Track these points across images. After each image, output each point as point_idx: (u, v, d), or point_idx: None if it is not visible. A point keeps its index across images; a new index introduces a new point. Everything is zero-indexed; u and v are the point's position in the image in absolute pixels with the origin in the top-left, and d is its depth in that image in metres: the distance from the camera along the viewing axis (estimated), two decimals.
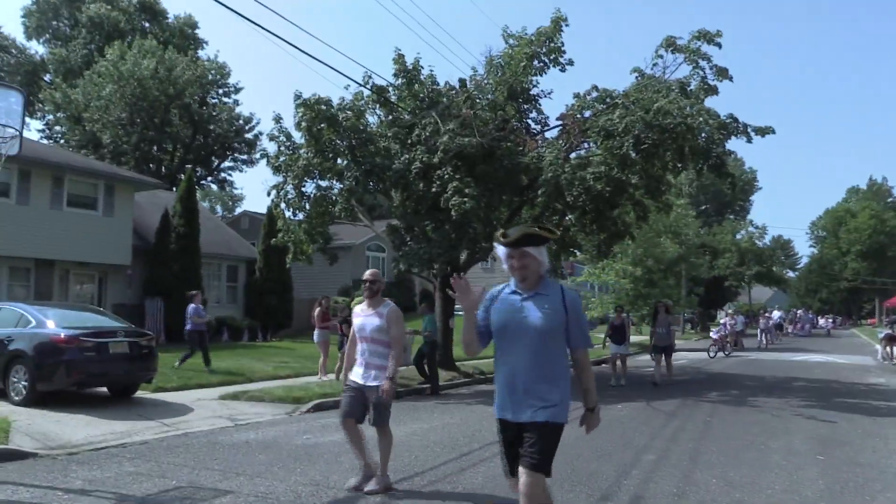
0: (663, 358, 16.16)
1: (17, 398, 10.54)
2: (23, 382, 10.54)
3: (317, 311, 16.01)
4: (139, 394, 12.09)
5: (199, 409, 11.05)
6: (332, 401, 12.24)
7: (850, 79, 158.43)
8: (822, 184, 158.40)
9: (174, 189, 33.24)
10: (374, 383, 6.11)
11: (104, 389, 12.01)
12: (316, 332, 15.76)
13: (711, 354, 25.84)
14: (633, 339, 34.94)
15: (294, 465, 7.25)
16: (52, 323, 10.85)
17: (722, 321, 30.12)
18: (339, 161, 16.03)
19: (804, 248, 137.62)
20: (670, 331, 16.50)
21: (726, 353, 27.41)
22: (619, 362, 16.22)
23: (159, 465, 7.26)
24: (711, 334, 28.32)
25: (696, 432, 9.66)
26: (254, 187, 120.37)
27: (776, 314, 41.30)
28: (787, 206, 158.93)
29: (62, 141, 48.46)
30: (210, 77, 50.88)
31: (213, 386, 13.61)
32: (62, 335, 10.48)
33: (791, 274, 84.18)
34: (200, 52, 54.59)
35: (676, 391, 14.77)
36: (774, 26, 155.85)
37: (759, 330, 34.02)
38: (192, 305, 15.54)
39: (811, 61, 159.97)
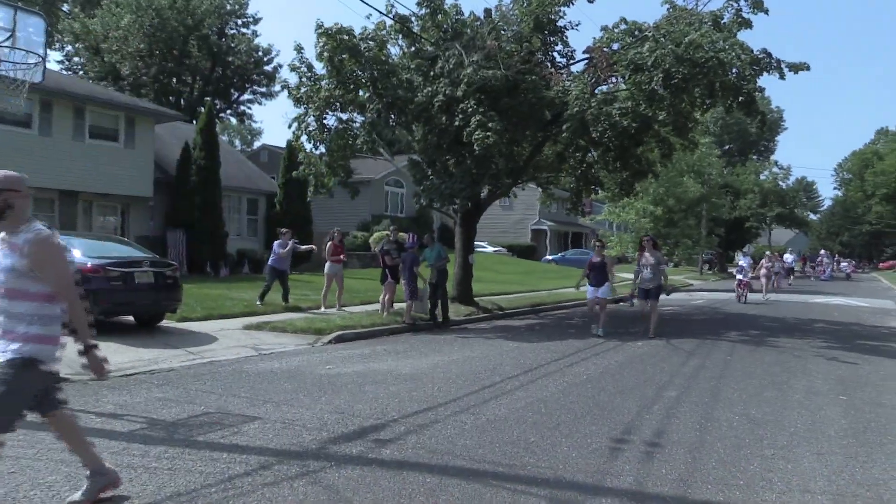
0: (648, 304, 13.54)
1: None
2: None
3: (328, 244, 16.02)
4: (164, 323, 12.28)
5: (224, 339, 11.22)
6: (352, 332, 12.44)
7: (883, 17, 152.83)
8: (850, 125, 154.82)
9: (194, 122, 33.09)
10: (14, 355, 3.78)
11: (130, 318, 12.21)
12: (327, 265, 15.79)
13: (743, 300, 23.36)
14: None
15: (319, 394, 7.37)
16: (79, 252, 10.94)
17: (763, 262, 26.80)
18: (360, 93, 15.80)
19: (827, 191, 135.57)
20: (659, 271, 13.60)
21: (764, 296, 25.10)
22: (597, 308, 13.64)
23: (187, 391, 7.40)
24: (738, 276, 24.43)
25: (715, 370, 9.68)
26: (273, 121, 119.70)
27: (788, 257, 38.73)
28: (813, 148, 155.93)
29: (81, 72, 48.17)
30: (228, 7, 50.04)
31: (236, 316, 13.79)
32: (88, 264, 10.58)
33: (813, 216, 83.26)
34: None
35: (695, 330, 14.79)
36: None
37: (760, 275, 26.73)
38: (277, 241, 15.64)
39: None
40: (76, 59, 50.05)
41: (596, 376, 8.91)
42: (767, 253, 30.31)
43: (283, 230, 15.89)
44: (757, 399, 7.69)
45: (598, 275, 13.53)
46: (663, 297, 14.07)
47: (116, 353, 9.46)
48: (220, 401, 6.95)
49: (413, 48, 16.10)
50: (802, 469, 5.23)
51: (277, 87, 53.87)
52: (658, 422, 6.52)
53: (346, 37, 14.89)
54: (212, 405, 6.74)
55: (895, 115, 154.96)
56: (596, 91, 15.27)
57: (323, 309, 15.41)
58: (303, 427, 5.96)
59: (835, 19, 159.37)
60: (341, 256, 15.99)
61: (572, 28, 16.69)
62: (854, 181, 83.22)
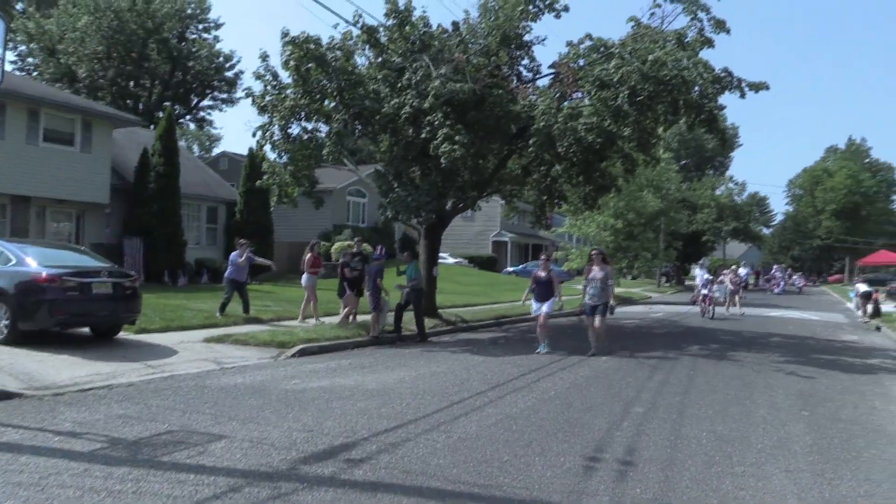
0: (595, 320, 12.67)
1: None
2: (3, 321, 10.35)
3: (308, 256, 15.82)
4: (121, 335, 11.96)
5: (184, 352, 10.96)
6: (316, 346, 12.26)
7: (833, 39, 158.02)
8: (801, 143, 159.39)
9: (152, 127, 32.47)
10: None
11: (86, 330, 11.86)
12: (305, 276, 15.62)
13: (709, 316, 22.62)
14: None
15: (286, 411, 7.22)
16: (34, 261, 10.60)
17: (721, 277, 25.72)
18: (326, 102, 15.66)
19: (779, 206, 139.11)
20: (608, 286, 12.79)
21: (728, 310, 24.52)
22: (541, 323, 12.95)
23: (148, 407, 7.18)
24: (704, 291, 23.38)
25: (680, 385, 9.78)
26: (233, 127, 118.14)
27: (742, 271, 37.99)
28: (766, 164, 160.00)
29: (35, 73, 46.93)
30: (189, 11, 49.34)
31: (196, 328, 13.50)
32: (44, 274, 10.25)
33: (766, 231, 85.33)
34: None
35: (657, 344, 14.95)
36: None
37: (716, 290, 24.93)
38: (234, 252, 15.41)
39: (796, 17, 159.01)
40: (30, 59, 48.75)
41: (563, 392, 8.92)
42: (734, 267, 30.14)
43: (241, 241, 15.74)
44: (722, 415, 7.78)
45: (544, 290, 13.11)
46: (618, 310, 14.13)
47: (73, 367, 9.18)
48: (184, 418, 6.76)
49: (380, 59, 16.02)
50: (773, 487, 5.28)
51: (239, 94, 53.32)
52: (629, 439, 6.54)
53: (312, 46, 14.75)
54: (175, 423, 6.55)
55: (844, 133, 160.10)
56: (562, 106, 15.40)
57: (300, 321, 15.25)
58: (271, 446, 5.82)
59: (786, 40, 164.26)
60: (318, 269, 15.87)
61: (538, 43, 16.88)
62: (805, 197, 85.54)
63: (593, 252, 13.57)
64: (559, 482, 5.16)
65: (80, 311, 10.70)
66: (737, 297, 25.62)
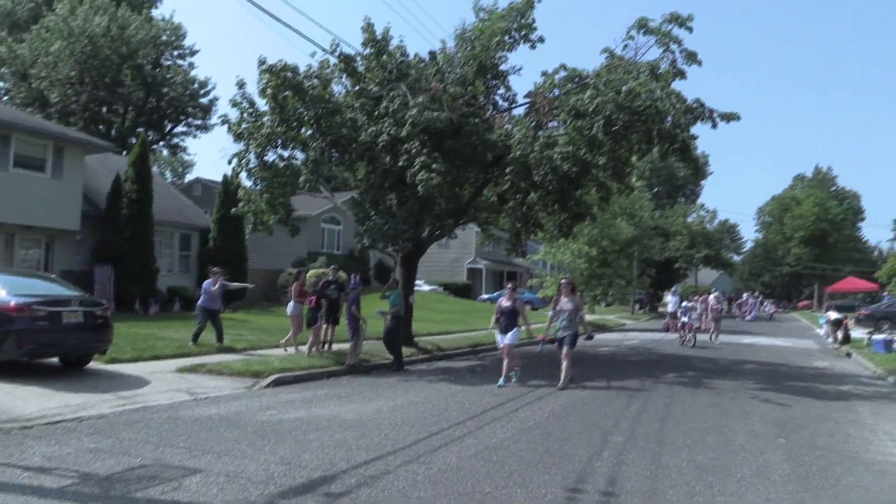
0: (563, 350, 12.03)
1: None
2: None
3: (294, 284, 15.56)
4: (92, 365, 11.70)
5: (156, 382, 10.75)
6: (291, 375, 12.12)
7: (802, 69, 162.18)
8: (770, 171, 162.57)
9: (125, 153, 32.19)
10: None
11: (56, 360, 11.59)
12: (291, 305, 15.29)
13: (692, 345, 22.18)
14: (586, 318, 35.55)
15: (262, 443, 7.09)
16: (2, 290, 10.36)
17: (687, 303, 24.75)
18: (303, 130, 15.66)
19: (749, 233, 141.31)
20: (576, 318, 12.29)
21: (713, 339, 24.29)
22: (505, 353, 12.45)
23: (120, 441, 7.01)
24: (683, 318, 22.99)
25: (657, 414, 9.79)
26: (207, 154, 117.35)
27: (711, 298, 37.22)
28: (736, 192, 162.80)
29: (6, 98, 46.37)
30: (164, 38, 49.24)
31: (168, 358, 13.26)
32: (12, 303, 10.02)
33: (736, 258, 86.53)
34: (154, 12, 52.74)
35: (633, 371, 14.99)
36: (728, 10, 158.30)
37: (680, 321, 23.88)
38: (208, 280, 15.15)
39: (767, 50, 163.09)
40: (1, 83, 48.21)
41: (542, 421, 8.88)
42: (716, 293, 29.82)
43: (215, 269, 15.54)
44: (701, 444, 7.79)
45: (508, 320, 12.54)
46: (597, 337, 14.07)
47: (42, 399, 8.96)
48: (157, 451, 6.60)
49: (357, 87, 16.09)
50: None
51: (213, 120, 53.10)
52: (609, 469, 6.51)
53: (290, 74, 14.80)
54: (148, 456, 6.39)
55: (811, 162, 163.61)
56: (537, 135, 15.55)
57: (293, 349, 15.02)
58: (248, 480, 5.70)
59: (755, 70, 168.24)
60: (304, 299, 15.59)
61: (514, 73, 17.04)
62: (774, 224, 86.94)
63: (563, 282, 13.13)
64: None
65: (50, 341, 10.46)
66: (717, 326, 25.58)
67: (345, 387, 11.63)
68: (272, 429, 7.83)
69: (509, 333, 12.45)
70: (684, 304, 23.88)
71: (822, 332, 29.16)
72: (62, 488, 5.35)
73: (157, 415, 8.49)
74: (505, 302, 12.72)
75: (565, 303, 12.37)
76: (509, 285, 13.49)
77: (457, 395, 10.85)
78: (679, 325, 23.51)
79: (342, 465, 6.30)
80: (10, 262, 20.88)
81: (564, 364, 11.93)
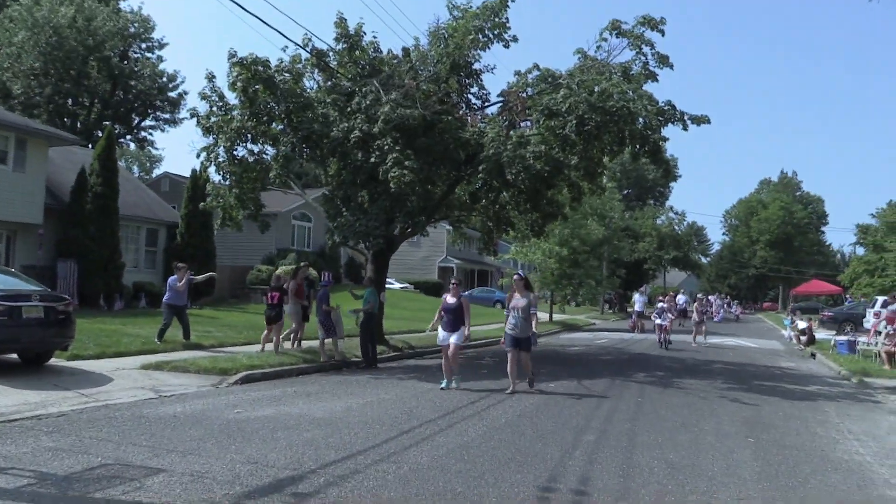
0: (521, 356, 11.15)
1: None
2: None
3: (291, 282, 15.19)
4: (53, 361, 11.37)
5: (120, 380, 10.49)
6: (260, 372, 11.94)
7: (768, 75, 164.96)
8: (737, 174, 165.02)
9: (91, 146, 31.52)
10: None
11: (14, 356, 11.24)
12: (291, 304, 14.82)
13: (666, 346, 22.03)
14: (556, 317, 35.67)
15: (228, 442, 6.92)
16: None
17: (659, 303, 24.21)
18: (274, 125, 15.45)
19: (716, 235, 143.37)
20: (530, 316, 11.13)
21: (700, 340, 24.30)
22: (451, 355, 11.50)
23: (80, 439, 6.80)
24: (658, 320, 22.74)
25: (628, 412, 9.81)
26: (175, 148, 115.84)
27: (681, 298, 36.71)
28: (703, 195, 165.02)
29: None
30: (132, 30, 48.36)
31: (133, 354, 12.96)
32: None
33: (703, 259, 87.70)
34: (122, 4, 51.76)
35: (604, 371, 15.03)
36: (700, 13, 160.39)
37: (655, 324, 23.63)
38: (172, 276, 14.79)
39: (734, 53, 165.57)
40: None
41: (514, 420, 8.83)
42: (699, 295, 29.99)
43: (180, 264, 15.23)
44: (672, 442, 7.79)
45: (453, 318, 11.48)
46: (563, 337, 13.89)
47: None
48: (119, 450, 6.40)
49: (330, 83, 15.92)
50: None
51: (182, 114, 52.31)
52: (581, 468, 6.47)
53: (261, 68, 14.58)
54: (109, 455, 6.20)
55: (777, 167, 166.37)
56: (510, 133, 15.52)
57: (296, 348, 14.90)
58: (213, 480, 5.54)
59: (724, 76, 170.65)
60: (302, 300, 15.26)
61: (488, 71, 17.01)
62: (741, 227, 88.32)
63: (514, 277, 11.79)
64: None
65: (9, 337, 10.11)
66: (703, 327, 25.17)
67: (314, 384, 11.47)
68: (239, 427, 7.66)
69: (455, 334, 11.44)
70: (660, 304, 23.53)
71: (786, 333, 29.67)
72: (18, 489, 5.14)
73: (120, 413, 8.27)
74: (450, 299, 11.65)
75: (518, 300, 11.20)
76: (453, 281, 12.37)
77: (428, 394, 10.75)
78: (655, 327, 23.20)
79: (311, 464, 6.17)
80: None
81: (515, 368, 11.10)
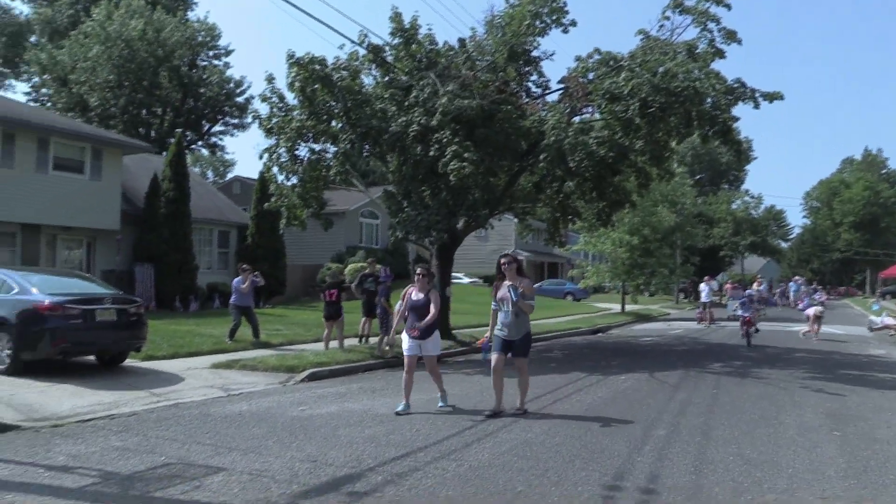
0: (514, 362, 8.51)
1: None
2: (6, 351, 10.16)
3: (353, 284, 15.36)
4: (128, 362, 11.72)
5: (191, 379, 10.70)
6: (326, 370, 11.96)
7: (850, 49, 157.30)
8: (817, 154, 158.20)
9: (163, 153, 32.56)
10: None
11: (91, 358, 11.63)
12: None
13: (751, 341, 18.37)
14: (628, 307, 34.77)
15: (289, 440, 6.91)
16: (36, 289, 10.42)
17: (741, 291, 22.22)
18: (333, 123, 15.49)
19: (796, 219, 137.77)
20: (524, 315, 8.35)
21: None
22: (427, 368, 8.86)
23: (147, 438, 6.90)
24: (741, 311, 19.31)
25: (703, 406, 9.37)
26: (245, 152, 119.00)
27: (759, 286, 31.60)
28: (781, 177, 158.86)
29: (49, 104, 47.40)
30: (200, 39, 49.77)
31: (204, 354, 13.24)
32: (46, 302, 10.06)
33: (783, 244, 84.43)
34: (190, 14, 53.37)
35: (677, 362, 14.51)
36: None
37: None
38: (237, 278, 15.26)
39: (812, 30, 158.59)
40: (43, 90, 49.24)
41: (581, 414, 8.55)
42: (797, 278, 27.17)
43: (244, 266, 15.68)
44: (750, 437, 7.37)
45: (419, 318, 8.55)
46: (637, 328, 13.28)
47: (75, 397, 8.94)
48: (183, 449, 6.46)
49: (387, 78, 15.87)
50: None
51: (250, 118, 53.55)
52: (650, 464, 6.16)
53: (318, 66, 14.62)
54: (173, 455, 6.26)
55: (860, 144, 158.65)
56: (572, 120, 15.13)
57: (363, 342, 15.31)
58: (271, 479, 5.51)
59: (799, 50, 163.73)
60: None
61: (547, 58, 16.63)
62: (822, 209, 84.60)
63: (501, 260, 8.60)
64: None
65: (84, 340, 10.49)
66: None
67: (380, 380, 11.43)
68: (302, 425, 7.65)
69: (429, 339, 8.63)
70: (749, 291, 21.09)
71: (878, 319, 28.03)
72: (81, 488, 5.23)
73: (188, 411, 8.40)
74: (415, 294, 8.73)
75: (507, 290, 8.28)
76: (418, 270, 9.02)
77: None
78: (739, 319, 19.74)
79: (369, 461, 6.08)
80: (53, 262, 21.25)
81: (521, 378, 8.67)
